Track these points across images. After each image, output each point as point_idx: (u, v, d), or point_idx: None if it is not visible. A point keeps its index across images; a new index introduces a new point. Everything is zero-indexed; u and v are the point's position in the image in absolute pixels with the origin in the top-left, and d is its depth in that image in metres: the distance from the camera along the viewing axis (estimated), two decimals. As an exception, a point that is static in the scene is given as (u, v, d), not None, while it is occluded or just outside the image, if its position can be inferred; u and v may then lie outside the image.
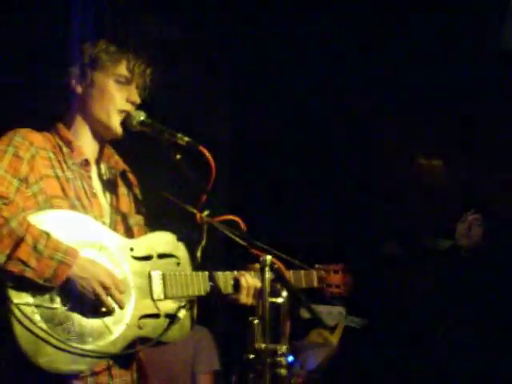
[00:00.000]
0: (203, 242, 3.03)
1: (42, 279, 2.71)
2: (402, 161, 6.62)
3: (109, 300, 2.82)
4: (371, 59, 6.09)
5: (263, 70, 6.26)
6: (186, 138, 3.02)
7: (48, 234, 2.75)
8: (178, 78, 5.57)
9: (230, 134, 6.37)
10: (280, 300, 2.97)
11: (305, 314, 4.37)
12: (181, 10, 5.64)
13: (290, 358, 4.81)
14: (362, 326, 5.21)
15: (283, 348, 2.92)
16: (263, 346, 2.87)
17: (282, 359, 2.91)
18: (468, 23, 5.47)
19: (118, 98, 3.08)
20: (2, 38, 4.82)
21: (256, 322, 2.92)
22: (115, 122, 3.08)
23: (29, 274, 2.69)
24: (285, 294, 2.97)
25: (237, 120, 6.41)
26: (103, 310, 2.82)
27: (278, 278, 2.93)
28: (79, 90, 3.09)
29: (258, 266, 3.09)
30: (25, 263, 2.68)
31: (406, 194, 6.58)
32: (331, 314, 4.91)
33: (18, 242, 2.68)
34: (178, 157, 3.02)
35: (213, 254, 3.03)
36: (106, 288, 2.81)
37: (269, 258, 2.89)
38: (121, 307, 2.86)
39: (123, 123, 3.09)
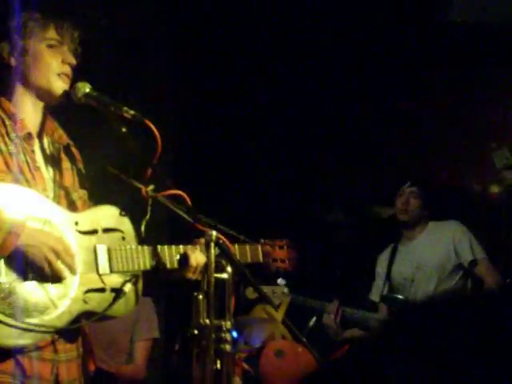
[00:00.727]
0: (147, 217, 3.02)
1: None
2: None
3: (60, 265, 2.81)
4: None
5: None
6: (132, 112, 3.00)
7: None
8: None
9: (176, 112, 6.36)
10: (225, 275, 2.98)
11: (250, 294, 4.40)
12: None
13: (234, 334, 4.84)
14: (305, 304, 5.27)
15: (227, 324, 2.93)
16: (207, 321, 2.88)
17: (227, 335, 2.93)
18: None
19: (53, 62, 3.07)
20: None
21: (201, 297, 2.93)
22: (55, 86, 3.06)
23: None
24: (230, 269, 2.98)
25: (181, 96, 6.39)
26: (53, 278, 2.81)
27: (224, 253, 2.94)
28: (13, 62, 3.07)
29: (203, 240, 3.12)
30: None
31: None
32: (275, 293, 4.96)
33: None
34: (124, 130, 3.00)
35: (158, 228, 3.03)
36: (56, 253, 2.80)
37: (214, 233, 2.90)
38: (72, 271, 2.85)
39: (64, 84, 3.07)
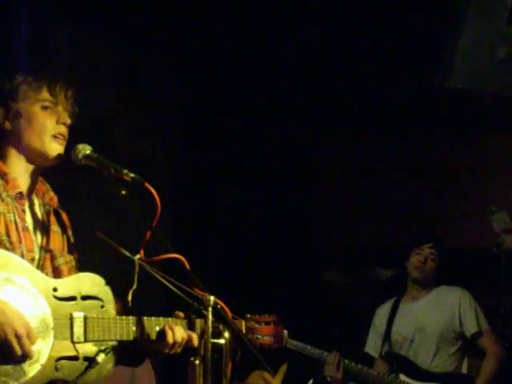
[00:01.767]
0: (134, 286, 2.97)
1: None
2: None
3: (17, 349, 2.71)
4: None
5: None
6: (132, 174, 2.95)
7: None
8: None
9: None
10: (222, 341, 2.96)
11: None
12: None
13: (231, 400, 4.80)
14: (305, 351, 5.22)
15: (224, 390, 2.91)
16: (204, 387, 2.86)
17: (223, 401, 2.90)
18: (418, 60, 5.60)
19: (48, 123, 3.03)
20: None
21: (197, 362, 2.91)
22: (50, 148, 3.02)
23: None
24: (227, 335, 2.97)
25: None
26: (8, 358, 2.73)
27: (221, 318, 2.93)
28: (7, 125, 3.04)
29: (182, 314, 3.12)
30: None
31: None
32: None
33: None
34: (124, 192, 2.99)
35: (157, 292, 3.02)
36: (17, 336, 2.71)
37: (212, 297, 2.89)
38: (27, 358, 2.77)
39: (68, 155, 3.04)
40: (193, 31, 5.73)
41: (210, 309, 2.83)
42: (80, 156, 3.02)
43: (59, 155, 3.04)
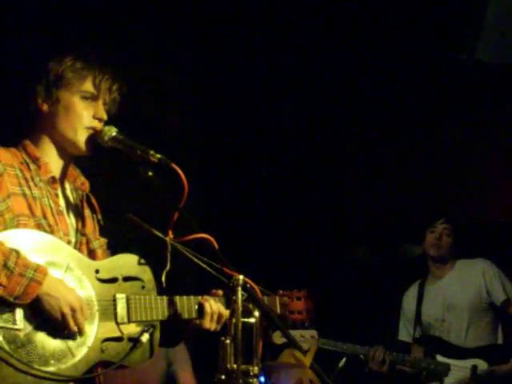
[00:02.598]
0: (168, 267, 3.01)
1: (12, 297, 2.67)
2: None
3: (72, 323, 2.78)
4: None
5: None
6: (158, 155, 2.97)
7: (18, 252, 2.72)
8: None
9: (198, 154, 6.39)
10: (252, 320, 2.97)
11: (278, 339, 4.38)
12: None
13: (262, 379, 4.81)
14: (338, 349, 5.23)
15: (255, 368, 2.91)
16: (235, 366, 2.87)
17: (254, 380, 2.90)
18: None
19: (84, 115, 3.04)
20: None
21: (228, 341, 2.92)
22: (82, 139, 3.04)
23: None
24: (257, 313, 2.97)
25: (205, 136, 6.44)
26: (65, 332, 2.78)
27: (251, 297, 2.93)
28: (45, 108, 3.05)
29: (221, 292, 3.16)
30: None
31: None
32: (303, 337, 4.93)
33: None
34: (150, 174, 3.00)
35: (185, 274, 3.03)
36: (72, 310, 2.77)
37: (241, 277, 2.89)
38: (80, 333, 2.82)
39: (93, 140, 3.06)
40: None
41: (240, 288, 2.81)
42: (106, 138, 3.04)
43: (90, 148, 3.04)
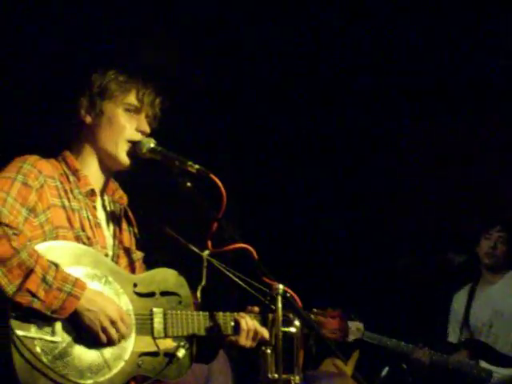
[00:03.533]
0: (203, 282, 3.03)
1: (49, 311, 2.70)
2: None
3: (114, 334, 2.81)
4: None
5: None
6: (197, 166, 3.00)
7: (57, 266, 2.75)
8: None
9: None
10: (293, 329, 2.96)
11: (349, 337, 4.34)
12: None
13: (304, 389, 4.79)
14: (382, 343, 5.17)
15: (296, 378, 2.91)
16: (276, 376, 2.86)
17: (296, 389, 2.90)
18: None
19: (127, 128, 3.07)
20: (10, 64, 4.87)
21: (269, 351, 2.91)
22: (122, 152, 3.07)
23: (37, 305, 2.68)
24: (297, 323, 2.96)
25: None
26: (107, 344, 2.81)
27: (291, 307, 2.92)
28: (88, 119, 3.09)
29: (257, 309, 3.17)
30: (33, 294, 2.67)
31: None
32: (350, 328, 4.87)
33: (28, 273, 2.67)
34: (189, 184, 3.01)
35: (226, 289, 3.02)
36: (112, 322, 2.80)
37: (281, 286, 2.88)
38: (121, 344, 2.85)
39: (131, 152, 3.08)
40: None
41: (280, 297, 2.80)
42: (144, 150, 3.06)
43: (129, 161, 3.09)
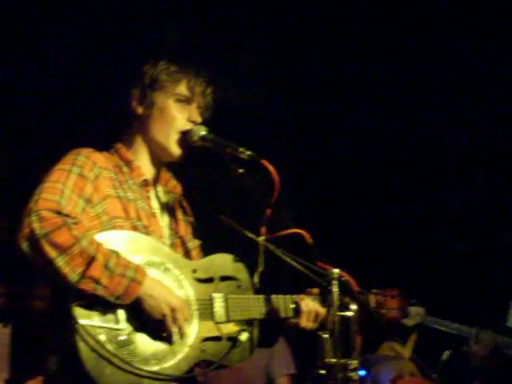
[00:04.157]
0: (260, 268, 3.03)
1: (113, 297, 2.73)
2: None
3: (172, 323, 2.83)
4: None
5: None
6: (249, 152, 3.00)
7: (117, 253, 2.78)
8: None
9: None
10: (349, 313, 2.94)
11: (409, 321, 4.30)
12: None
13: (362, 373, 4.77)
14: (444, 328, 5.11)
15: (354, 362, 2.89)
16: (334, 360, 2.85)
17: (354, 374, 2.88)
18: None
19: (178, 119, 3.09)
20: (62, 59, 4.92)
21: (326, 336, 2.90)
22: (173, 143, 3.09)
23: (101, 291, 2.71)
24: (354, 307, 2.94)
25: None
26: (164, 334, 2.83)
27: (347, 291, 2.91)
28: (140, 111, 3.11)
29: (317, 290, 3.18)
30: (97, 281, 2.70)
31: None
32: (410, 314, 4.81)
33: (90, 260, 2.70)
34: (241, 171, 3.01)
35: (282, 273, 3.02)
36: (172, 309, 2.82)
37: (336, 270, 2.87)
38: (180, 334, 2.86)
39: (183, 141, 3.09)
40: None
41: (335, 282, 2.79)
42: (195, 138, 3.07)
43: (180, 151, 3.09)
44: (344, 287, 2.88)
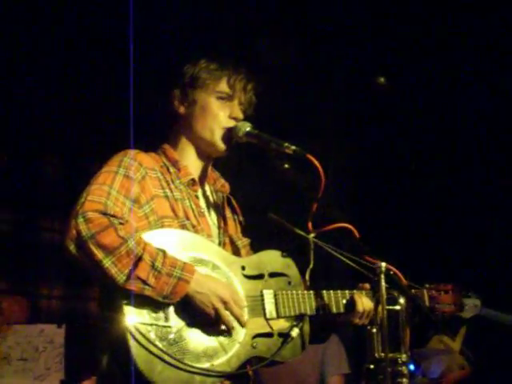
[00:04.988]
0: (311, 264, 3.03)
1: (160, 296, 2.74)
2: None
3: (228, 315, 2.83)
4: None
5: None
6: (293, 147, 3.00)
7: (164, 252, 2.79)
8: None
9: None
10: (398, 307, 2.91)
11: (466, 313, 4.26)
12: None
13: (412, 367, 4.73)
14: (499, 319, 5.04)
15: (403, 356, 2.87)
16: (383, 355, 2.82)
17: (403, 368, 2.86)
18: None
19: (220, 115, 3.11)
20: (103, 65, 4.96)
21: (374, 330, 2.88)
22: (219, 139, 3.10)
23: (148, 292, 2.72)
24: (402, 301, 2.91)
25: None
26: (222, 326, 2.83)
27: (395, 284, 2.88)
28: (182, 110, 3.15)
29: (368, 285, 3.16)
30: (144, 281, 2.71)
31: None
32: (465, 305, 4.74)
33: (137, 260, 2.71)
34: (286, 166, 2.99)
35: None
36: (224, 303, 2.82)
37: (384, 264, 2.84)
38: (241, 323, 2.87)
39: (228, 137, 3.10)
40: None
41: (383, 276, 2.76)
42: (241, 134, 3.08)
43: (226, 146, 3.11)
44: (392, 281, 2.85)
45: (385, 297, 2.83)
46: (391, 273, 2.85)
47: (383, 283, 2.82)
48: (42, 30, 4.98)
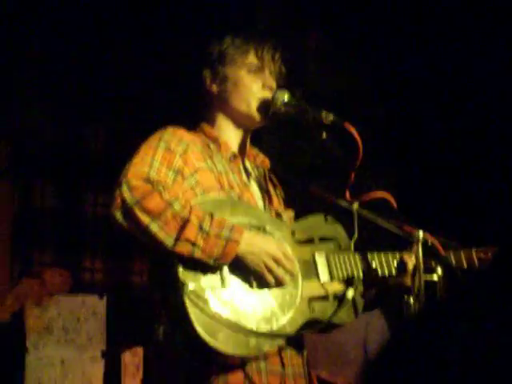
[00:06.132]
0: (355, 235, 3.03)
1: (211, 259, 2.73)
2: None
3: (281, 272, 2.83)
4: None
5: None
6: (331, 116, 2.98)
7: (211, 214, 2.78)
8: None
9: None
10: (435, 277, 2.88)
11: None
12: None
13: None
14: None
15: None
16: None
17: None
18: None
19: (254, 87, 3.11)
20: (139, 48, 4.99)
21: (411, 300, 2.85)
22: (255, 110, 3.10)
23: (198, 254, 2.71)
24: (440, 271, 2.88)
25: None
26: (276, 284, 2.83)
27: (433, 254, 2.84)
28: (214, 89, 3.15)
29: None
30: (193, 243, 2.70)
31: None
32: None
33: (184, 223, 2.71)
34: (324, 136, 2.97)
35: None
36: (276, 260, 2.82)
37: (421, 233, 2.81)
38: (294, 278, 2.86)
39: (266, 108, 3.09)
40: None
41: (420, 244, 2.73)
42: (279, 104, 3.05)
43: (264, 117, 3.11)
44: (430, 250, 2.82)
45: (422, 266, 2.80)
46: (429, 242, 2.81)
47: (420, 252, 2.79)
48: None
